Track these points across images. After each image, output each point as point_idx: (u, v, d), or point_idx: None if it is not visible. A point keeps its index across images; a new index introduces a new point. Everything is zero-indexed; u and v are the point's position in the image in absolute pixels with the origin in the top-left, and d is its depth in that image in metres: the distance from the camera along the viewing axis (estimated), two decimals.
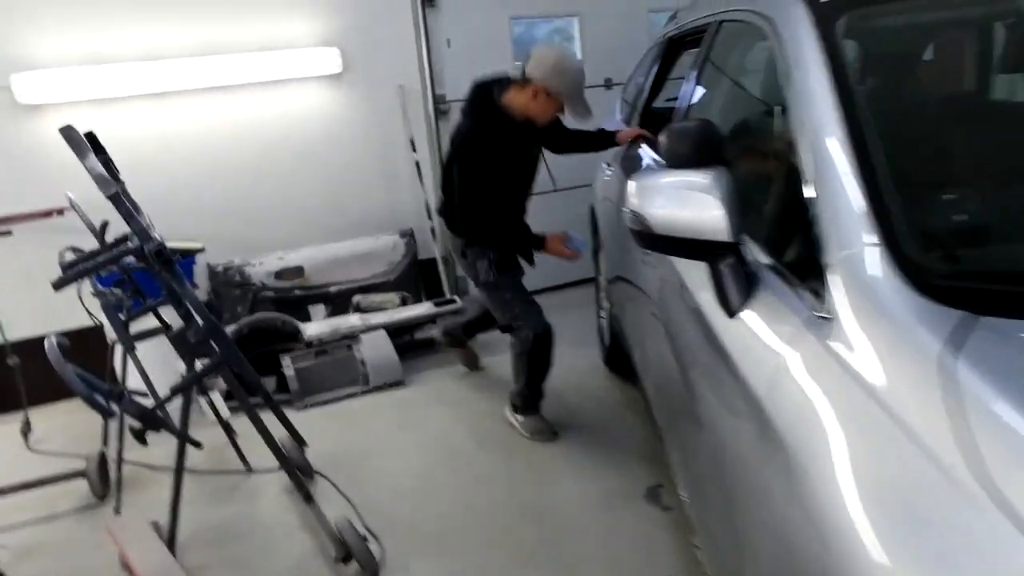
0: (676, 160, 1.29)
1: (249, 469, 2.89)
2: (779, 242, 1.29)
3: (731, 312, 1.25)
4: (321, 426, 3.29)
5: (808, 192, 1.18)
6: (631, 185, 1.32)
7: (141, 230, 1.83)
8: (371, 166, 4.29)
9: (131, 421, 1.97)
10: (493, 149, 2.66)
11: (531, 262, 3.01)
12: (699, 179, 1.22)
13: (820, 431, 0.91)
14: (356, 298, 4.02)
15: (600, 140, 3.02)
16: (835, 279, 1.01)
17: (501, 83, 2.73)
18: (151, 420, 1.68)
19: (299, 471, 2.77)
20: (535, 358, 2.87)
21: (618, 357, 3.33)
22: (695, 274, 1.54)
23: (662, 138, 1.32)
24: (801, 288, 1.13)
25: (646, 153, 2.68)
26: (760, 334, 1.16)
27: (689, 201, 1.22)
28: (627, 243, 2.61)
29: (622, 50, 4.39)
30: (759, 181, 1.51)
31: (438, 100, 4.31)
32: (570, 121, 2.85)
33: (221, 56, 3.76)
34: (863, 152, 1.12)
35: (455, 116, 4.34)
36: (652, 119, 2.97)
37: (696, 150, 1.26)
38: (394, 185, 4.35)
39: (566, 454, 2.89)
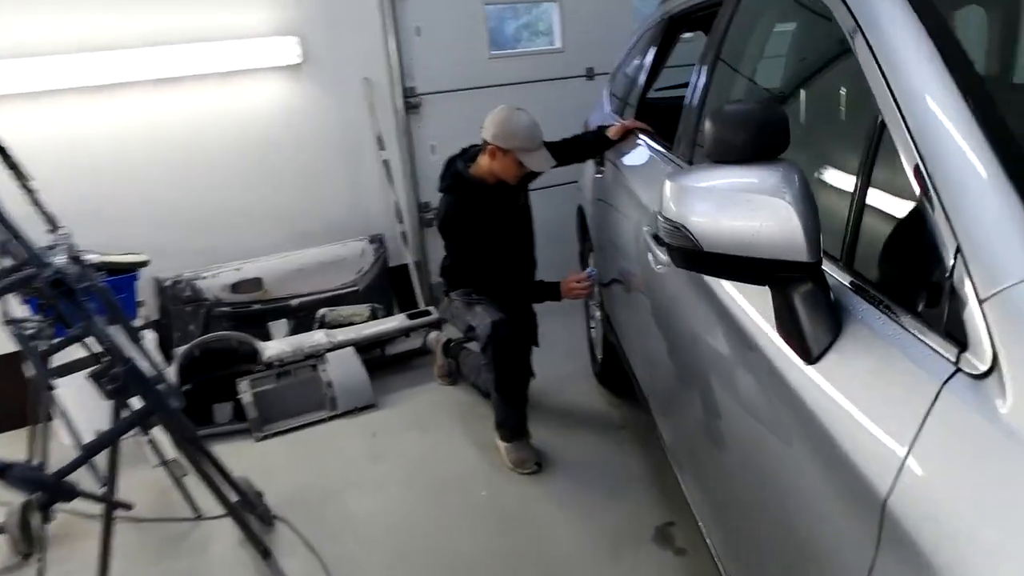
0: (727, 153, 0.97)
1: (199, 515, 2.53)
2: (868, 258, 0.98)
3: (810, 357, 0.94)
4: (283, 458, 2.94)
5: (912, 188, 0.87)
6: (667, 187, 1.00)
7: (33, 255, 1.48)
8: (335, 166, 3.92)
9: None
10: (473, 218, 2.74)
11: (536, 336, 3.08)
12: (763, 178, 0.91)
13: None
14: (321, 311, 3.66)
15: (600, 143, 2.77)
16: (997, 322, 0.69)
17: (468, 153, 2.82)
18: (55, 492, 1.34)
19: (258, 517, 2.43)
20: (500, 353, 2.63)
21: (613, 372, 3.03)
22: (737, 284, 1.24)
23: (707, 125, 1.00)
24: (921, 325, 0.82)
25: (647, 146, 2.37)
26: (868, 396, 0.84)
27: (750, 207, 0.91)
28: (623, 241, 2.31)
29: (605, 38, 4.10)
30: (832, 177, 1.20)
31: (407, 93, 3.96)
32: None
33: (167, 47, 3.36)
34: (1002, 135, 0.81)
35: (426, 110, 4.02)
36: (649, 111, 2.67)
37: (756, 140, 0.94)
38: (361, 186, 3.99)
39: (562, 487, 2.58)
